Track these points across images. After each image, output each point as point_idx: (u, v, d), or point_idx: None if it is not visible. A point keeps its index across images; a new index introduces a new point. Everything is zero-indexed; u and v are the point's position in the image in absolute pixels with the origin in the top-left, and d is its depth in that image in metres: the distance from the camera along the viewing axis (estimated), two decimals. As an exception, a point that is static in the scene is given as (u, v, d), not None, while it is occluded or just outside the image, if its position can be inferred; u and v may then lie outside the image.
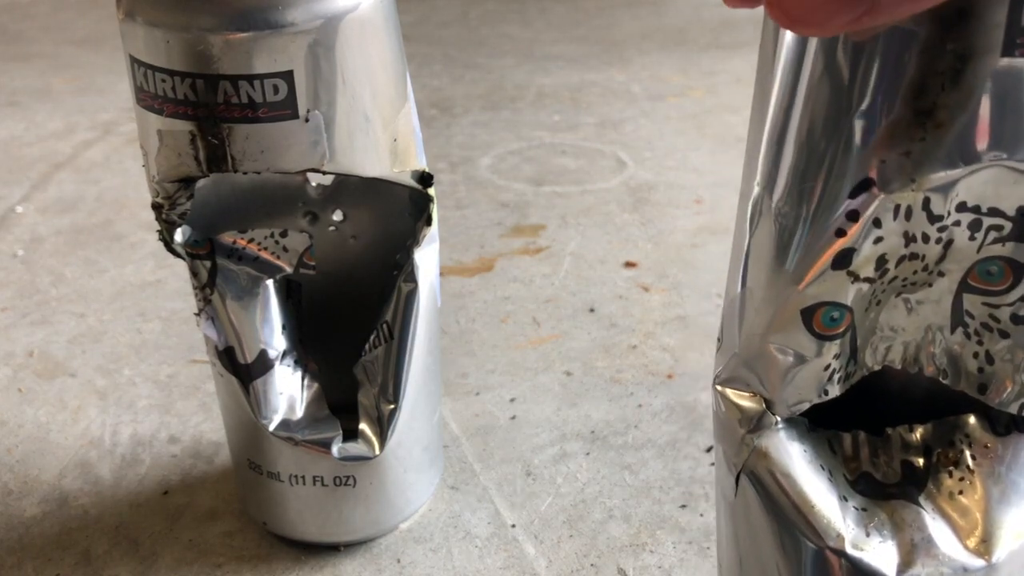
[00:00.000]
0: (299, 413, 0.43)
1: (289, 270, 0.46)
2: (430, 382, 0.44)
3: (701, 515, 0.46)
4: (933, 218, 0.26)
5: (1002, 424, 0.30)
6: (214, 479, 0.49)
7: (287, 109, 0.34)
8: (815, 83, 0.25)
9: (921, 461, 0.31)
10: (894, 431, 0.31)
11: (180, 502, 0.48)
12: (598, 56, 1.18)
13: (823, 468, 0.30)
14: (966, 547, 0.29)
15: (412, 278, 0.42)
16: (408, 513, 0.45)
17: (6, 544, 0.45)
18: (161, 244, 0.41)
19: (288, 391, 0.43)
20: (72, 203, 0.82)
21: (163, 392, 0.56)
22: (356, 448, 0.42)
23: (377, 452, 0.42)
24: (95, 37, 1.35)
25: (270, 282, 0.44)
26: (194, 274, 0.42)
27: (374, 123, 0.37)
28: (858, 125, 0.24)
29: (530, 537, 0.45)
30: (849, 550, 0.28)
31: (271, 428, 0.42)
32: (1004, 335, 0.28)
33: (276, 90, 0.34)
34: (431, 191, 0.41)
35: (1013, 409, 0.28)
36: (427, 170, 0.41)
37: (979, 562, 0.28)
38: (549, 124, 0.97)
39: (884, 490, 0.31)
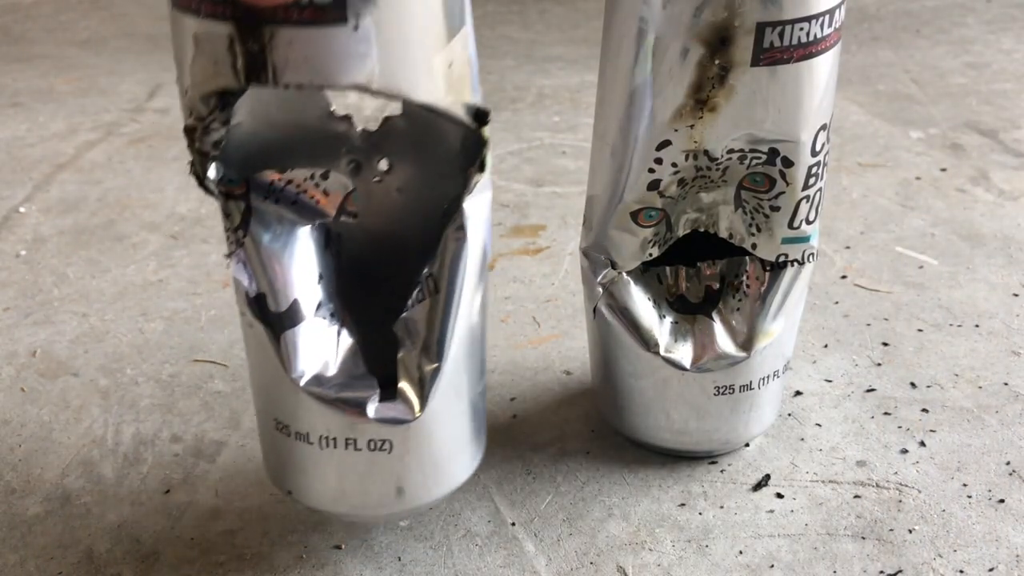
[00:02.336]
0: (333, 369, 0.40)
1: (330, 216, 0.43)
2: (476, 344, 0.41)
3: (700, 513, 0.46)
4: (712, 159, 0.42)
5: (768, 264, 0.45)
6: (216, 478, 0.50)
7: (336, 13, 0.31)
8: (634, 81, 0.41)
9: (717, 286, 0.48)
10: (702, 264, 0.48)
11: (182, 501, 0.48)
12: (598, 57, 1.18)
13: (650, 299, 0.47)
14: (736, 345, 0.46)
15: (461, 228, 0.38)
16: (446, 489, 0.42)
17: (9, 543, 0.46)
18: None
19: (322, 345, 0.40)
20: (74, 203, 0.83)
21: (165, 391, 0.57)
22: (394, 409, 0.39)
23: (417, 414, 0.39)
24: (97, 38, 1.35)
25: (307, 228, 0.41)
26: (226, 215, 0.39)
27: (429, 42, 0.33)
28: (660, 107, 0.41)
29: (530, 535, 0.45)
30: (663, 353, 0.46)
31: (302, 383, 0.38)
32: (766, 216, 0.44)
33: None
34: (486, 132, 0.37)
35: (771, 259, 0.45)
36: (483, 106, 0.36)
37: (742, 354, 0.46)
38: (549, 125, 0.97)
39: (692, 307, 0.48)
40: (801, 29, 0.38)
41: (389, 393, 0.39)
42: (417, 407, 0.39)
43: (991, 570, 0.42)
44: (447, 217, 0.39)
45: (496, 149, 0.91)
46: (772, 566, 0.43)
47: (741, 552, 0.44)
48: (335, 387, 0.39)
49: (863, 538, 0.44)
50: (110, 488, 0.49)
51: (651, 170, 0.42)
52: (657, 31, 0.39)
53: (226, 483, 0.49)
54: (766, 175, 0.43)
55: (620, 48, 0.41)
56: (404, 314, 0.39)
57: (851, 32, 1.23)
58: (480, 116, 0.36)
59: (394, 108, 0.40)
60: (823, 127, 0.42)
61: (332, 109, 0.41)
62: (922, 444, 0.50)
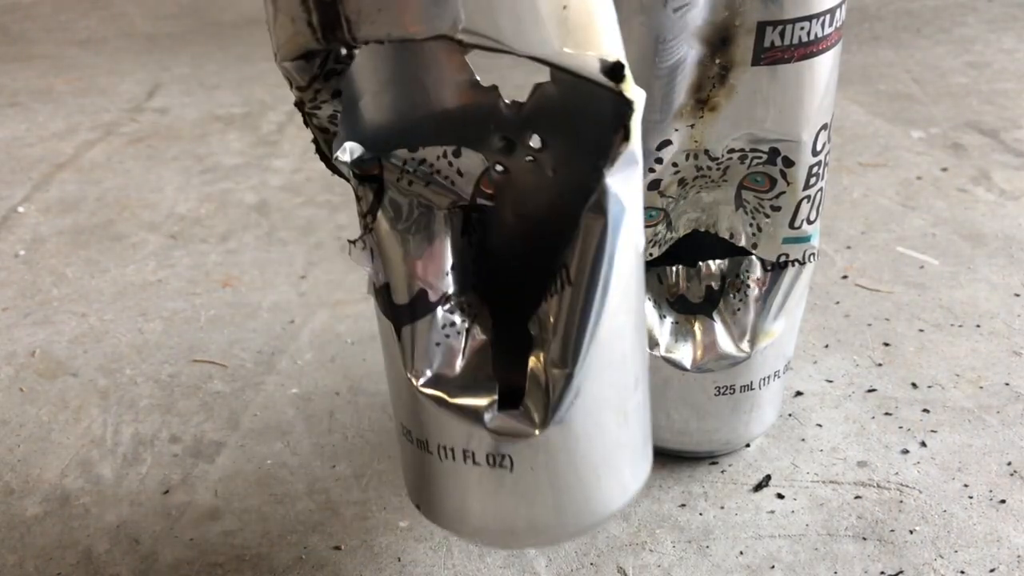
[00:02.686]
0: (457, 369, 0.35)
1: (466, 197, 0.38)
2: (624, 347, 0.34)
3: (700, 514, 0.46)
4: (712, 159, 0.42)
5: (769, 264, 0.45)
6: (215, 478, 0.49)
7: None
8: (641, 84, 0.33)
9: (717, 286, 0.47)
10: (703, 264, 0.47)
11: (181, 501, 0.48)
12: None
13: (650, 299, 0.46)
14: (737, 345, 0.45)
15: (600, 209, 0.32)
16: (588, 520, 0.36)
17: (8, 543, 0.46)
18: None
19: (448, 341, 0.36)
20: (74, 203, 0.83)
21: (164, 392, 0.57)
22: (514, 420, 0.33)
23: (537, 429, 0.33)
24: (97, 38, 1.35)
25: (442, 212, 0.36)
26: (358, 198, 0.35)
27: None
28: (661, 108, 0.40)
29: (530, 536, 0.45)
30: (664, 353, 0.45)
31: (419, 383, 0.34)
32: (766, 216, 0.44)
33: None
34: (627, 90, 0.31)
35: (771, 259, 0.45)
36: (618, 59, 0.30)
37: (743, 355, 0.45)
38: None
39: (692, 307, 0.47)
40: (802, 28, 0.38)
41: (515, 401, 0.34)
42: (538, 420, 0.33)
43: (992, 571, 0.42)
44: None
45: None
46: (773, 567, 0.43)
47: (742, 553, 0.43)
48: (454, 390, 0.34)
49: (864, 539, 0.44)
50: (109, 488, 0.49)
51: (651, 170, 0.42)
52: (657, 31, 0.39)
53: (225, 484, 0.49)
54: (767, 175, 0.43)
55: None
56: (538, 310, 0.34)
57: (852, 31, 1.23)
58: (614, 72, 0.30)
59: (542, 74, 0.35)
60: (824, 127, 0.41)
61: (475, 79, 0.36)
62: (923, 444, 0.50)
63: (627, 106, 0.31)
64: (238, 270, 0.70)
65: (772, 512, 0.46)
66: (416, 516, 0.46)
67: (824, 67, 0.40)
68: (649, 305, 0.47)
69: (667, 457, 0.50)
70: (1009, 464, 0.48)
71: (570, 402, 0.33)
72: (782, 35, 0.38)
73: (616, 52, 0.30)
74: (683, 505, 0.47)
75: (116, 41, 1.34)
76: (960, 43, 1.19)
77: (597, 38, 0.30)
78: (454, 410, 0.34)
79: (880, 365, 0.57)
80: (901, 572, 0.42)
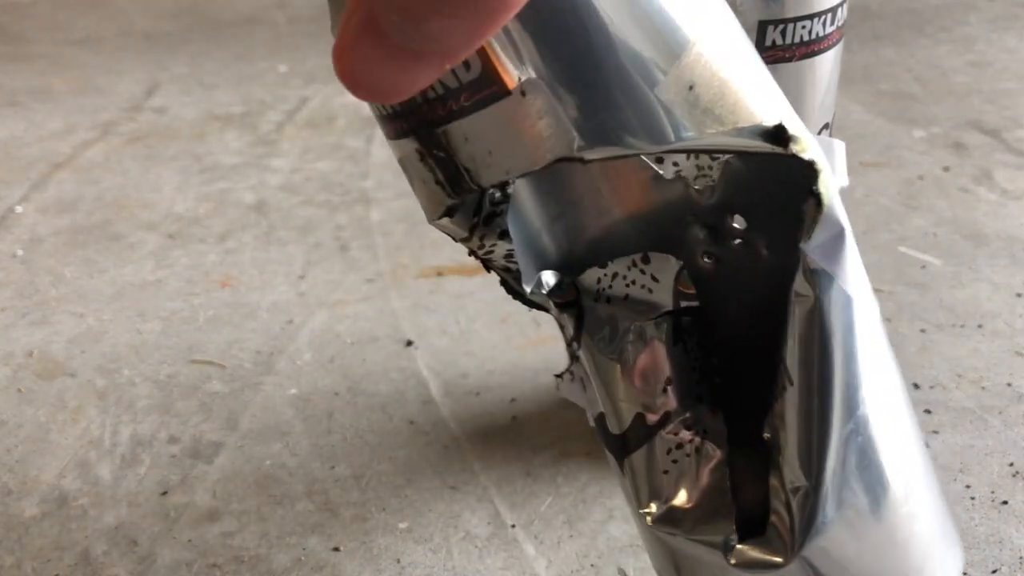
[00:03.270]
0: (691, 497, 0.32)
1: (667, 304, 0.34)
2: (876, 448, 0.29)
3: (701, 515, 0.46)
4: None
5: None
6: (214, 479, 0.49)
7: (490, 86, 0.24)
8: None
9: None
10: None
11: (179, 502, 0.48)
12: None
13: None
14: None
15: (806, 290, 0.28)
16: None
17: (5, 544, 0.45)
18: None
19: (677, 467, 0.32)
20: (71, 203, 0.82)
21: (162, 392, 0.56)
22: (758, 552, 0.29)
23: (782, 558, 0.29)
24: (95, 37, 1.35)
25: (650, 324, 0.33)
26: (561, 327, 0.33)
27: (643, 68, 0.25)
28: None
29: (530, 537, 0.45)
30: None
31: (650, 520, 0.31)
32: None
33: (467, 65, 0.24)
34: (803, 152, 0.27)
35: None
36: (779, 123, 0.26)
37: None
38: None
39: None
40: (803, 27, 0.38)
41: (762, 524, 0.30)
42: (787, 548, 0.29)
43: (995, 572, 0.42)
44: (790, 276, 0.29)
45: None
46: (774, 569, 0.42)
47: (743, 554, 0.43)
48: (690, 523, 0.31)
49: (866, 540, 0.44)
50: (107, 489, 0.49)
51: None
52: None
53: (224, 484, 0.49)
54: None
55: None
56: (770, 414, 0.30)
57: (853, 30, 1.23)
58: (776, 137, 0.26)
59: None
60: (826, 126, 0.41)
61: (656, 171, 0.33)
62: (925, 445, 0.50)
63: (809, 169, 0.27)
64: (237, 270, 0.70)
65: (773, 513, 0.46)
66: (416, 517, 0.46)
67: (826, 66, 0.40)
68: None
69: (668, 458, 0.49)
70: (1011, 465, 0.48)
71: (821, 522, 0.28)
72: (783, 34, 0.38)
73: (772, 113, 0.26)
74: (684, 506, 0.46)
75: (114, 40, 1.33)
76: (962, 42, 1.18)
77: (741, 105, 0.26)
78: (692, 547, 0.31)
79: (881, 365, 0.56)
80: (903, 574, 0.42)
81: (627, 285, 0.34)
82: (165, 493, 0.48)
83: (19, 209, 0.82)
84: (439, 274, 0.68)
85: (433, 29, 0.18)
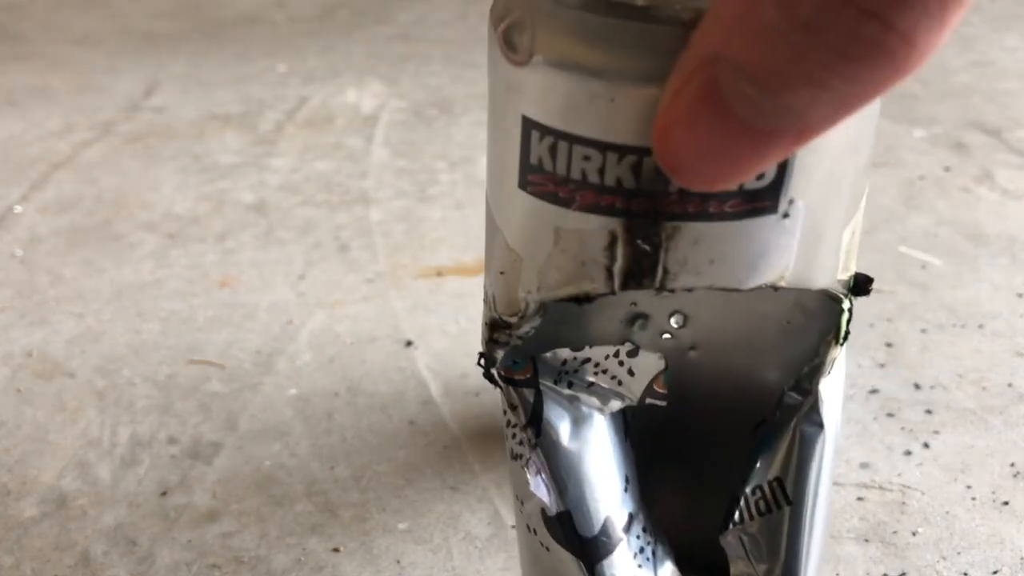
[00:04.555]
0: None
1: (634, 399, 0.33)
2: (824, 555, 0.32)
3: (702, 516, 0.46)
4: None
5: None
6: (213, 480, 0.49)
7: (766, 200, 0.23)
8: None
9: None
10: None
11: (179, 503, 0.48)
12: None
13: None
14: None
15: (819, 423, 0.29)
16: None
17: (4, 545, 0.45)
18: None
19: (641, 572, 0.31)
20: (71, 203, 0.82)
21: (162, 392, 0.56)
22: None
23: None
24: (94, 36, 1.35)
25: (606, 418, 0.32)
26: (511, 407, 0.30)
27: (840, 218, 0.25)
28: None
29: (530, 538, 0.45)
30: None
31: None
32: None
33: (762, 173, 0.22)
34: (846, 302, 0.28)
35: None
36: (865, 274, 0.28)
37: None
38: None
39: None
40: None
41: None
42: None
43: (995, 572, 0.42)
44: (786, 405, 0.30)
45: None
46: (775, 569, 0.42)
47: (744, 555, 0.43)
48: None
49: (867, 540, 0.44)
50: (106, 490, 0.49)
51: None
52: None
53: (223, 485, 0.49)
54: None
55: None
56: (734, 528, 0.30)
57: (852, 30, 1.22)
58: (861, 286, 0.28)
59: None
60: None
61: None
62: (926, 446, 0.50)
63: (844, 311, 0.28)
64: (236, 270, 0.70)
65: (774, 514, 0.45)
66: (416, 518, 0.46)
67: None
68: None
69: (668, 458, 0.49)
70: (1012, 465, 0.48)
71: None
72: None
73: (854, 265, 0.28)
74: (684, 507, 0.46)
75: (113, 39, 1.33)
76: (963, 42, 1.18)
77: (855, 259, 0.27)
78: None
79: (883, 366, 0.56)
80: (904, 574, 0.42)
81: (596, 373, 0.32)
82: (164, 493, 0.48)
83: (18, 209, 0.81)
84: (439, 274, 0.68)
85: (795, 102, 0.15)
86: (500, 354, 0.29)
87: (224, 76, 1.15)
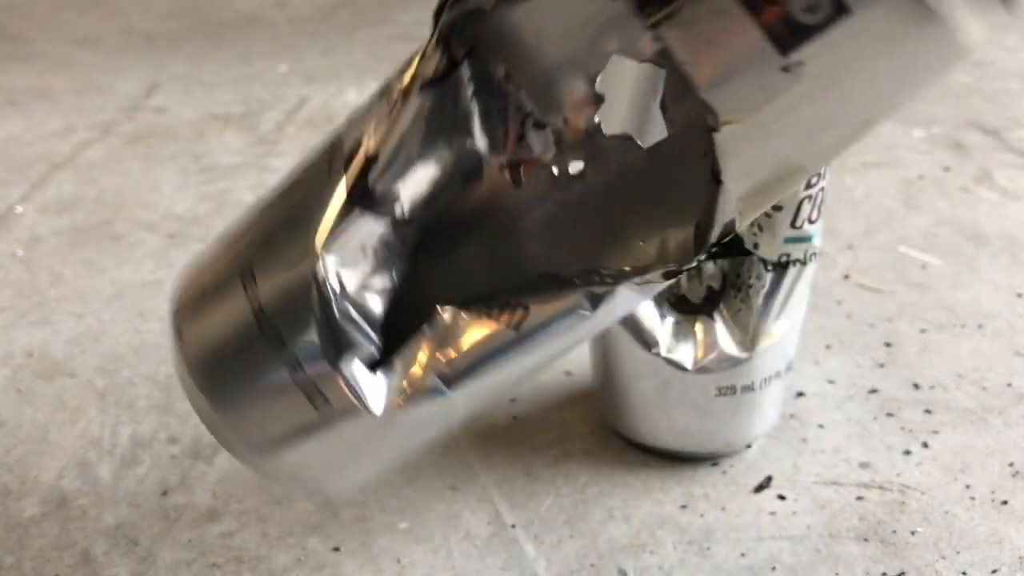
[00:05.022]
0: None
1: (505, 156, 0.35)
2: None
3: (701, 515, 0.46)
4: None
5: (770, 264, 0.44)
6: (213, 479, 0.49)
7: None
8: None
9: (718, 286, 0.46)
10: (704, 263, 0.45)
11: (179, 502, 0.48)
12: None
13: (652, 300, 0.45)
14: (738, 346, 0.45)
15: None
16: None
17: (5, 544, 0.45)
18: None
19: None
20: (71, 203, 0.82)
21: (162, 392, 0.56)
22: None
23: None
24: (94, 36, 1.35)
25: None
26: (424, 57, 0.31)
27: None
28: None
29: (530, 537, 0.45)
30: (664, 354, 0.45)
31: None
32: (768, 215, 0.42)
33: None
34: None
35: (773, 259, 0.44)
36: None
37: (745, 355, 0.45)
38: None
39: (693, 307, 0.46)
40: None
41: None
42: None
43: (994, 572, 0.42)
44: None
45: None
46: (774, 568, 0.42)
47: (743, 554, 0.43)
48: None
49: (866, 540, 0.44)
50: (107, 490, 0.49)
51: None
52: None
53: (223, 485, 0.49)
54: None
55: None
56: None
57: (852, 30, 1.23)
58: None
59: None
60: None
61: None
62: (925, 445, 0.50)
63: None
64: (237, 270, 0.70)
65: (773, 513, 0.46)
66: (416, 518, 0.46)
67: None
68: (649, 305, 0.46)
69: (668, 458, 0.49)
70: (1011, 465, 0.48)
71: None
72: None
73: None
74: (684, 506, 0.46)
75: (114, 40, 1.33)
76: (961, 42, 1.18)
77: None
78: None
79: (882, 366, 0.56)
80: (903, 573, 0.42)
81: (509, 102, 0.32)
82: (165, 493, 0.48)
83: (19, 209, 0.82)
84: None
85: None
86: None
87: (224, 76, 1.15)
